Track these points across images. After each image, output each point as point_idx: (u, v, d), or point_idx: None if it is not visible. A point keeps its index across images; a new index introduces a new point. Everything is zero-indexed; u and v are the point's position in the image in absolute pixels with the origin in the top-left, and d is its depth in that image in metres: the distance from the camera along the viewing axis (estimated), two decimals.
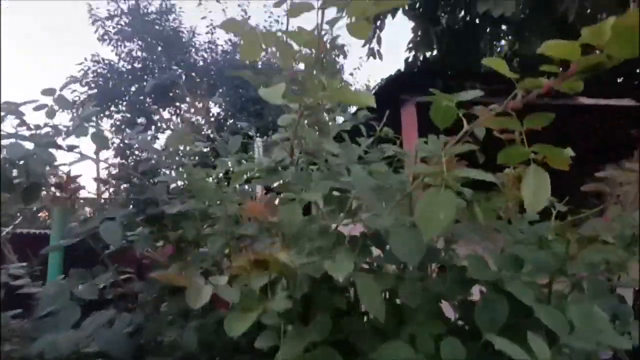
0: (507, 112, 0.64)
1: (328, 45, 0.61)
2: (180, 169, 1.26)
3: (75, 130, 1.12)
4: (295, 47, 0.66)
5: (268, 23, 10.50)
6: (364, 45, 6.41)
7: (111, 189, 1.48)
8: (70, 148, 1.19)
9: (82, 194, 1.25)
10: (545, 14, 3.84)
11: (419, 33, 5.29)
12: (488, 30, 5.89)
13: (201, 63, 9.95)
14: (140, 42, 9.50)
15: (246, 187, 1.35)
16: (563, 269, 0.67)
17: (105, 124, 10.37)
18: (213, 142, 1.51)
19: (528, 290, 0.58)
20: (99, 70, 9.76)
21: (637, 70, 4.78)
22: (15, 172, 1.02)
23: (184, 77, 9.87)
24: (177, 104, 9.87)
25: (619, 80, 4.08)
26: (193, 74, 9.18)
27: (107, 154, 10.84)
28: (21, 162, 1.00)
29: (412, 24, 5.82)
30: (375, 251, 0.71)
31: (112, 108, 10.04)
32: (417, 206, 0.51)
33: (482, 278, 0.61)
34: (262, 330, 0.60)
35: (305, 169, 0.71)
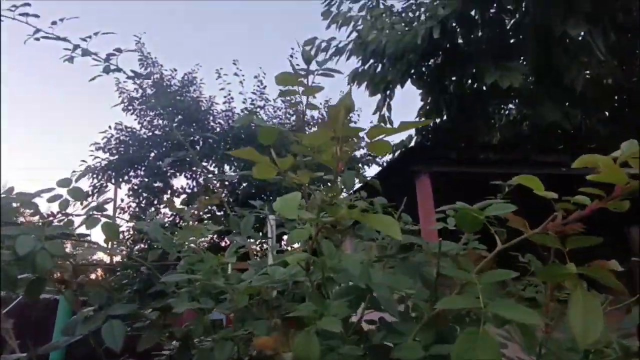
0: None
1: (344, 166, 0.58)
2: (191, 256, 1.22)
3: (86, 221, 1.11)
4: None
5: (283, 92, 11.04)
6: (374, 113, 6.61)
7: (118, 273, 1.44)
8: (81, 236, 1.17)
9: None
10: (553, 84, 3.94)
11: (428, 101, 5.47)
12: (496, 94, 6.06)
13: (218, 129, 10.37)
14: (161, 111, 10.04)
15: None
16: None
17: (124, 189, 10.66)
18: (227, 218, 1.49)
19: None
20: (121, 138, 10.24)
21: None
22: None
23: (201, 142, 10.26)
24: (193, 168, 10.15)
25: None
26: (210, 140, 9.53)
27: (122, 223, 10.98)
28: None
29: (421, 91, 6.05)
30: None
31: (131, 173, 10.36)
32: (455, 345, 0.44)
33: None
34: None
35: (323, 286, 0.66)
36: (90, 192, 9.24)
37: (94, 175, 9.92)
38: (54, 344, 1.12)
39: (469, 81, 5.38)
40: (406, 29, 5.49)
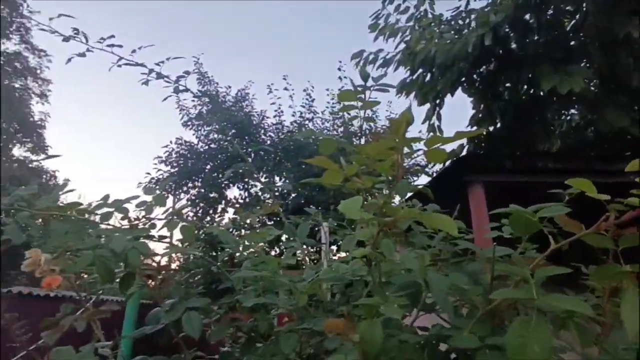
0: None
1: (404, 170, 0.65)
2: (254, 256, 1.33)
3: (167, 224, 1.27)
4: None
5: (331, 103, 11.25)
6: (423, 122, 6.54)
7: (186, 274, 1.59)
8: (161, 238, 1.33)
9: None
10: (619, 88, 3.69)
11: (481, 108, 5.32)
12: (555, 99, 5.75)
13: (269, 142, 10.77)
14: (217, 126, 10.63)
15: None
16: None
17: (183, 199, 11.36)
18: (279, 226, 1.59)
19: None
20: (181, 152, 10.96)
21: None
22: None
23: (252, 155, 10.69)
24: (246, 179, 10.59)
25: None
26: (261, 152, 9.90)
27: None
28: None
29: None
30: None
31: (190, 184, 11.02)
32: (508, 332, 0.49)
33: None
34: None
35: (381, 280, 0.72)
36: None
37: (157, 186, 10.68)
38: (139, 331, 1.28)
39: (525, 87, 5.17)
40: (456, 36, 5.42)
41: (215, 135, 10.87)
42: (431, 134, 6.73)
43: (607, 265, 0.57)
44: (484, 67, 5.39)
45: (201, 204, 10.80)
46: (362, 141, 13.18)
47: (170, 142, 11.08)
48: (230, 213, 11.09)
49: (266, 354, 1.07)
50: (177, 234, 1.33)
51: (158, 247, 1.43)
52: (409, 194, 1.59)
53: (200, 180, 10.91)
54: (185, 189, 11.00)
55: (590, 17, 4.04)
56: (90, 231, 1.17)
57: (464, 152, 5.66)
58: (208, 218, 10.92)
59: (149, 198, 1.27)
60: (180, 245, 1.32)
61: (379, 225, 0.61)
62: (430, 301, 0.88)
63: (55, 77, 17.68)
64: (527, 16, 4.77)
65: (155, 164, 10.86)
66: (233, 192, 11.31)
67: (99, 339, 1.74)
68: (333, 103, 11.18)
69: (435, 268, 1.06)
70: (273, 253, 8.84)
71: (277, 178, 10.60)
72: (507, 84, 5.12)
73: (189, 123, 10.93)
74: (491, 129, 5.65)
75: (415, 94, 6.10)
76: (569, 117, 6.48)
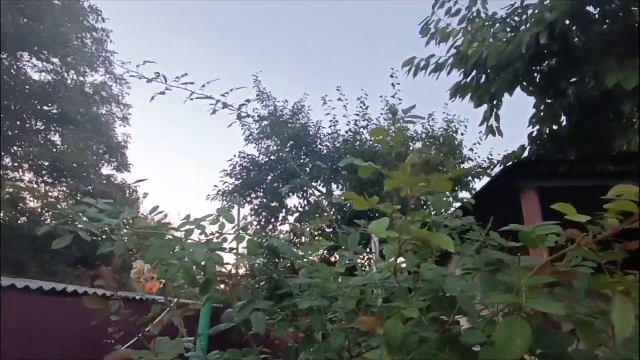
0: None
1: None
2: (310, 264, 1.52)
3: (236, 238, 1.50)
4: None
5: (385, 111, 11.27)
6: (481, 124, 6.36)
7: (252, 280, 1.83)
8: (231, 250, 1.58)
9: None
10: None
11: (542, 108, 5.08)
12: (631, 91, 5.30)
13: (325, 152, 11.07)
14: (276, 139, 11.16)
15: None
16: None
17: (247, 209, 12.05)
18: (336, 235, 1.77)
19: None
20: (244, 164, 11.66)
21: None
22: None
23: (310, 165, 11.06)
24: (305, 188, 10.97)
25: None
26: (319, 162, 10.20)
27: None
28: (202, 264, 1.39)
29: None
30: None
31: (253, 195, 11.67)
32: (497, 329, 0.61)
33: None
34: None
35: (408, 286, 0.86)
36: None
37: (224, 198, 11.46)
38: (215, 328, 1.53)
39: (593, 82, 4.85)
40: (512, 34, 5.24)
41: (275, 148, 11.42)
42: (487, 138, 6.51)
43: (597, 275, 0.66)
44: (544, 63, 5.15)
45: (264, 213, 11.38)
46: (420, 145, 12.98)
47: (235, 156, 11.85)
48: (291, 221, 11.56)
49: (320, 350, 1.24)
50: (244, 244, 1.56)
51: (228, 257, 1.68)
52: (460, 204, 1.68)
53: (262, 190, 11.51)
54: (248, 199, 11.66)
55: None
56: (177, 246, 1.44)
57: (525, 154, 5.43)
58: (270, 226, 11.47)
59: (219, 213, 1.52)
60: (246, 255, 1.55)
61: (400, 242, 0.75)
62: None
63: (133, 101, 19.70)
64: (591, 7, 4.50)
65: (222, 176, 11.67)
66: (293, 201, 11.77)
67: (183, 335, 2.04)
68: (387, 110, 11.19)
69: (471, 277, 1.17)
70: (333, 259, 9.06)
71: (334, 186, 10.84)
72: (573, 80, 4.84)
73: (251, 137, 11.60)
74: (555, 128, 5.36)
75: (471, 96, 5.98)
76: None
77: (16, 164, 17.28)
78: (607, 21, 4.10)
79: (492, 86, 4.74)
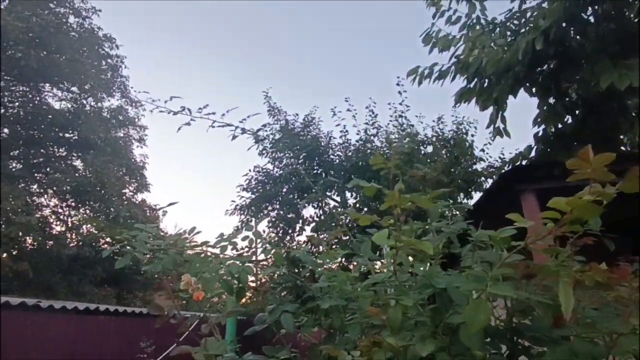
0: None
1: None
2: (329, 271, 1.74)
3: (262, 251, 1.74)
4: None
5: (394, 118, 11.47)
6: (487, 127, 6.51)
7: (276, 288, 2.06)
8: (259, 262, 1.82)
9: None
10: None
11: (544, 108, 5.22)
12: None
13: (337, 161, 11.31)
14: (289, 152, 11.47)
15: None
16: None
17: (264, 221, 12.34)
18: (350, 244, 1.99)
19: None
20: (259, 178, 11.99)
21: None
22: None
23: (324, 174, 11.31)
24: (320, 198, 11.20)
25: None
26: (331, 172, 10.44)
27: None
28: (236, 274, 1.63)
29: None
30: None
31: (269, 207, 11.97)
32: (466, 308, 0.83)
33: None
34: None
35: (405, 283, 1.08)
36: (239, 226, 11.02)
37: (241, 212, 11.79)
38: (251, 329, 1.76)
39: (593, 81, 4.98)
40: (512, 37, 5.41)
41: (288, 160, 11.72)
42: (497, 137, 6.64)
43: (544, 266, 0.87)
44: (544, 66, 5.30)
45: (281, 225, 11.65)
46: (430, 148, 13.08)
47: (250, 170, 12.21)
48: (307, 231, 11.80)
49: (341, 343, 1.46)
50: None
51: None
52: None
53: (278, 202, 11.80)
54: (265, 211, 11.95)
55: None
56: (213, 260, 1.69)
57: (533, 153, 5.55)
58: (288, 237, 11.72)
59: (246, 229, 1.77)
60: (272, 266, 1.78)
61: (395, 248, 0.98)
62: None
63: (148, 122, 20.37)
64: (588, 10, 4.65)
65: (238, 191, 12.02)
66: (309, 212, 12.01)
67: (218, 340, 2.27)
68: (396, 116, 11.40)
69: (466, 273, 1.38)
70: (351, 266, 9.24)
71: (348, 194, 11.05)
72: (572, 80, 4.98)
73: (264, 152, 11.94)
74: (560, 126, 5.48)
75: (475, 100, 6.15)
76: None
77: (41, 190, 18.04)
78: (603, 23, 4.25)
79: (494, 91, 4.91)
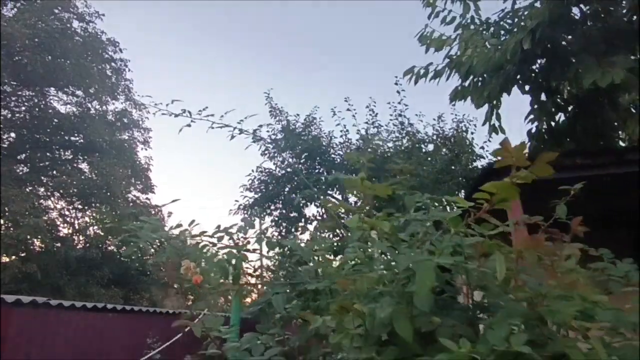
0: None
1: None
2: (317, 259, 1.91)
3: (256, 240, 1.91)
4: None
5: (394, 116, 11.62)
6: (483, 124, 6.65)
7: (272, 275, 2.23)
8: (254, 250, 1.99)
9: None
10: None
11: (536, 106, 5.36)
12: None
13: (338, 160, 11.47)
14: (290, 152, 11.65)
15: None
16: None
17: (267, 221, 12.53)
18: (342, 236, 2.15)
19: None
20: (262, 178, 12.18)
21: None
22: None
23: (325, 173, 11.48)
24: (322, 197, 11.38)
25: None
26: (333, 171, 10.60)
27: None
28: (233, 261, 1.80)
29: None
30: None
31: (272, 207, 12.16)
32: (417, 274, 0.99)
33: None
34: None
35: (373, 259, 1.25)
36: (244, 224, 11.21)
37: (245, 211, 11.99)
38: (251, 310, 1.93)
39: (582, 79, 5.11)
40: (506, 36, 5.55)
41: (290, 160, 11.91)
42: (497, 135, 6.77)
43: (482, 241, 1.03)
44: (535, 64, 5.44)
45: (283, 224, 11.83)
46: (430, 147, 13.21)
47: (252, 170, 12.40)
48: (310, 228, 11.98)
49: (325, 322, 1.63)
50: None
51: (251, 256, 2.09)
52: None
53: (280, 202, 11.99)
54: (268, 211, 12.15)
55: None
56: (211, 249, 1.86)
57: (526, 150, 5.68)
58: (291, 236, 11.90)
59: (242, 223, 1.93)
60: (266, 254, 1.95)
61: (363, 230, 1.14)
62: None
63: (152, 124, 20.64)
64: (575, 9, 4.78)
65: (242, 191, 12.21)
66: (311, 211, 12.19)
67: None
68: (396, 115, 11.54)
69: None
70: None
71: (350, 194, 11.20)
72: (562, 78, 5.12)
73: (267, 152, 12.14)
74: (553, 124, 5.61)
75: (471, 99, 6.29)
76: None
77: (48, 193, 18.35)
78: (588, 22, 4.38)
79: (486, 89, 5.06)
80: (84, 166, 18.57)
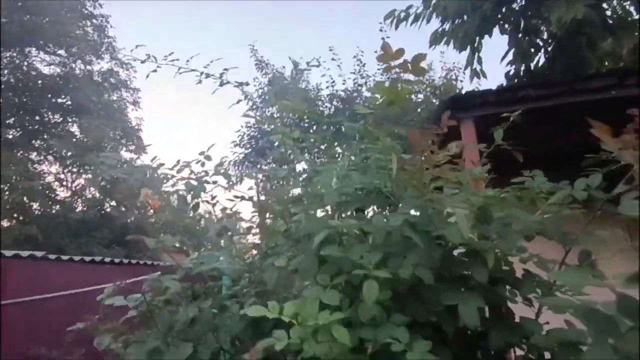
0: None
1: None
2: None
3: (215, 172, 2.05)
4: None
5: (380, 71, 11.43)
6: (465, 69, 6.63)
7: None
8: (214, 182, 2.14)
9: None
10: None
11: (514, 47, 5.32)
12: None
13: (327, 113, 11.44)
14: (279, 106, 11.58)
15: None
16: None
17: (259, 176, 12.67)
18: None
19: None
20: (251, 134, 12.20)
21: None
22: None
23: (315, 126, 11.49)
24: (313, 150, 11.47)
25: None
26: (319, 123, 10.61)
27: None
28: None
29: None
30: None
31: (264, 162, 12.28)
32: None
33: None
34: None
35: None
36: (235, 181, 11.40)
37: (236, 168, 12.13)
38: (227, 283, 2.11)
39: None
40: None
41: (278, 115, 11.85)
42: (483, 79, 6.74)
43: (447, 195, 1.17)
44: (515, 2, 5.35)
45: (275, 180, 12.01)
46: (422, 96, 13.13)
47: (241, 126, 12.38)
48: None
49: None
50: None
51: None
52: None
53: (271, 157, 12.10)
54: (259, 167, 12.28)
55: None
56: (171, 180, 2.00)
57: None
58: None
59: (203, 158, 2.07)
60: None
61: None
62: None
63: (141, 84, 20.23)
64: None
65: (231, 147, 12.28)
66: (302, 165, 12.31)
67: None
68: (381, 70, 11.34)
69: None
70: None
71: (338, 149, 11.28)
72: (541, 15, 5.05)
73: (254, 107, 12.05)
74: (532, 65, 5.61)
75: (453, 43, 6.22)
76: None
77: (41, 157, 18.36)
78: None
79: (459, 31, 5.01)
80: (74, 129, 18.43)
